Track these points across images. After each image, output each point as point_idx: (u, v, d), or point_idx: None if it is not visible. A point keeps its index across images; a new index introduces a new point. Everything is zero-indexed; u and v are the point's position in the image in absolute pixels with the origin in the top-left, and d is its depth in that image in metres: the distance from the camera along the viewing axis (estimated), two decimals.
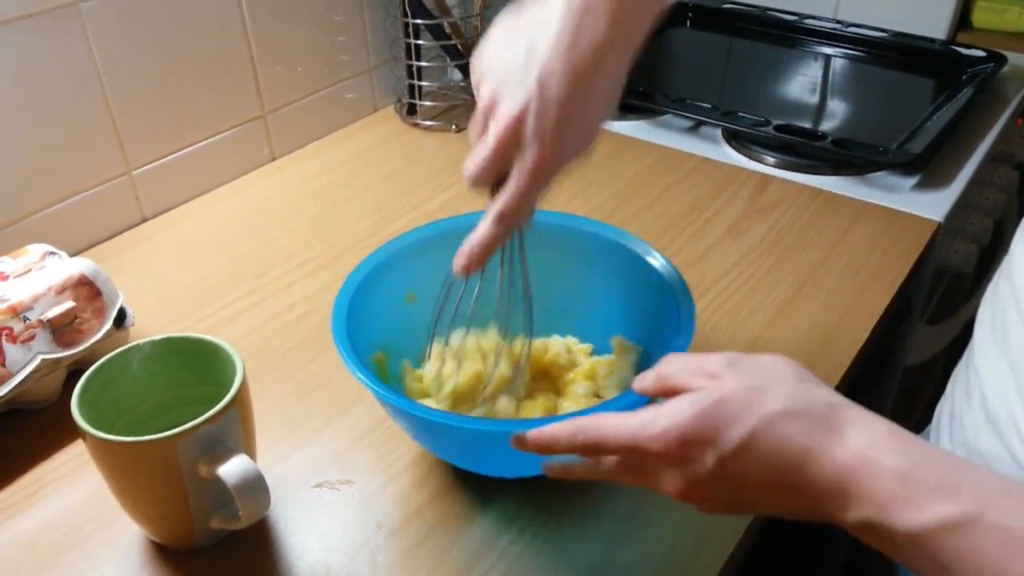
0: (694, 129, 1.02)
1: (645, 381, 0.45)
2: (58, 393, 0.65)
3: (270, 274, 0.80)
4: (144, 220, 0.87)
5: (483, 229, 0.49)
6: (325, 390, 0.66)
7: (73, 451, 0.61)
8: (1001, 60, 1.09)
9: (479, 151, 0.48)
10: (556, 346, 0.63)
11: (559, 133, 0.45)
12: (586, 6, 0.44)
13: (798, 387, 0.40)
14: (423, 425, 0.53)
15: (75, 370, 0.65)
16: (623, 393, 0.51)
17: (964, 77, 1.07)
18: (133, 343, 0.54)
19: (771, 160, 0.95)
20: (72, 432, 0.61)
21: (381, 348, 0.60)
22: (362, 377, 0.50)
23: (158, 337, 0.54)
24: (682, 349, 0.51)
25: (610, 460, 0.44)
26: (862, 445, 0.37)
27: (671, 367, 0.44)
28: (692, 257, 0.80)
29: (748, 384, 0.40)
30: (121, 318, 0.66)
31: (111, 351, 0.67)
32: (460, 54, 1.02)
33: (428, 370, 0.60)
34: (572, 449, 0.44)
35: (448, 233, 0.62)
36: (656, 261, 0.60)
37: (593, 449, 0.43)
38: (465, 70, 1.04)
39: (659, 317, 0.58)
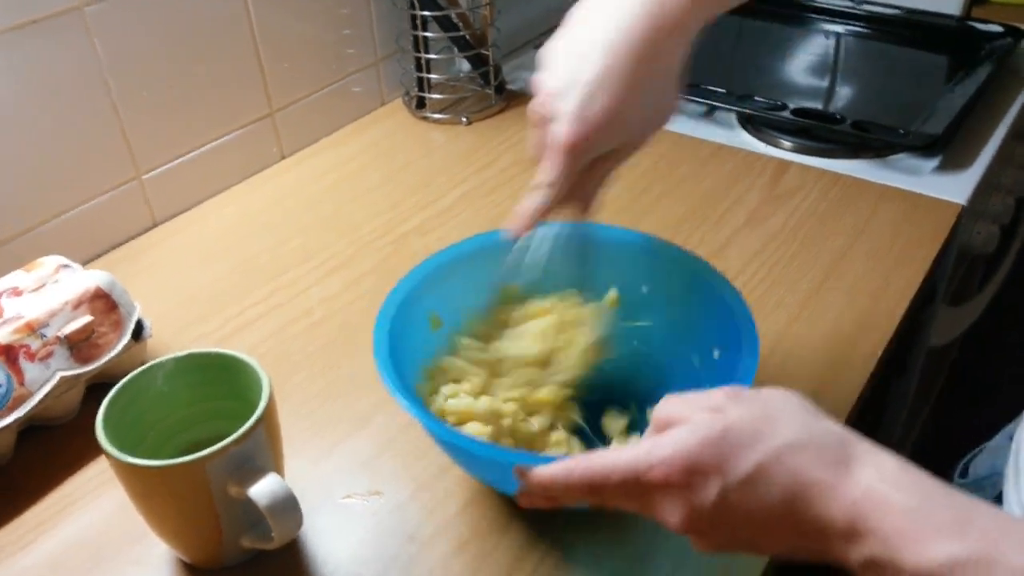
0: (708, 114, 1.01)
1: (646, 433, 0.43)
2: (77, 409, 0.64)
3: (285, 277, 0.78)
4: (155, 225, 0.86)
5: (528, 198, 0.52)
6: (347, 397, 0.65)
7: (96, 467, 0.60)
8: (1019, 35, 1.07)
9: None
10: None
11: (583, 113, 0.47)
12: None
13: (807, 419, 0.39)
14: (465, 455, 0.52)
15: (93, 383, 0.64)
16: None
17: (981, 53, 1.05)
18: (156, 360, 0.53)
19: (788, 144, 0.93)
20: (94, 448, 0.60)
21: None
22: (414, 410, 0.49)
23: (181, 353, 0.53)
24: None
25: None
26: (872, 480, 0.36)
27: (665, 409, 0.42)
28: (713, 247, 0.79)
29: (755, 414, 0.39)
30: (139, 330, 0.65)
31: (130, 365, 0.66)
32: (469, 45, 1.00)
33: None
34: (570, 487, 0.41)
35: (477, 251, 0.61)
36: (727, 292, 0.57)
37: (592, 486, 0.41)
38: (474, 61, 1.02)
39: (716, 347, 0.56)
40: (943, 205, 0.83)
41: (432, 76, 1.02)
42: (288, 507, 0.47)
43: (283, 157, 0.97)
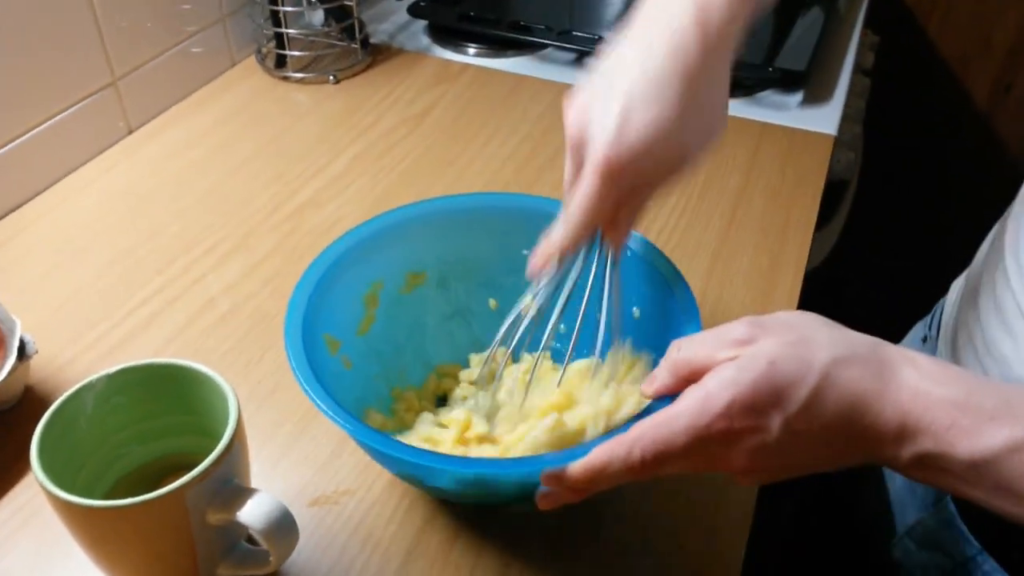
0: (579, 61, 1.00)
1: (657, 380, 0.42)
2: None
3: (175, 266, 0.70)
4: None
5: (556, 227, 0.47)
6: (285, 391, 0.59)
7: (2, 513, 0.51)
8: None
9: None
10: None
11: (620, 132, 0.43)
12: (676, 35, 0.43)
13: (834, 333, 0.39)
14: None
15: None
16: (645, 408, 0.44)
17: None
18: (85, 381, 0.45)
19: None
20: None
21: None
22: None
23: (113, 369, 0.45)
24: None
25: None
26: (916, 380, 0.37)
27: (683, 351, 0.41)
28: None
29: (788, 339, 0.38)
30: (21, 348, 0.55)
31: (14, 389, 0.57)
32: None
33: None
34: (631, 469, 0.39)
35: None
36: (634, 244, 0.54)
37: (657, 460, 0.39)
38: (337, 14, 0.95)
39: (653, 310, 0.54)
40: (817, 137, 0.88)
41: (290, 31, 0.93)
42: (286, 526, 0.42)
43: (131, 131, 0.86)
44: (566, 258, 0.48)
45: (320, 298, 0.52)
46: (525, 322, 0.49)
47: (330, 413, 0.43)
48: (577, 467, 0.40)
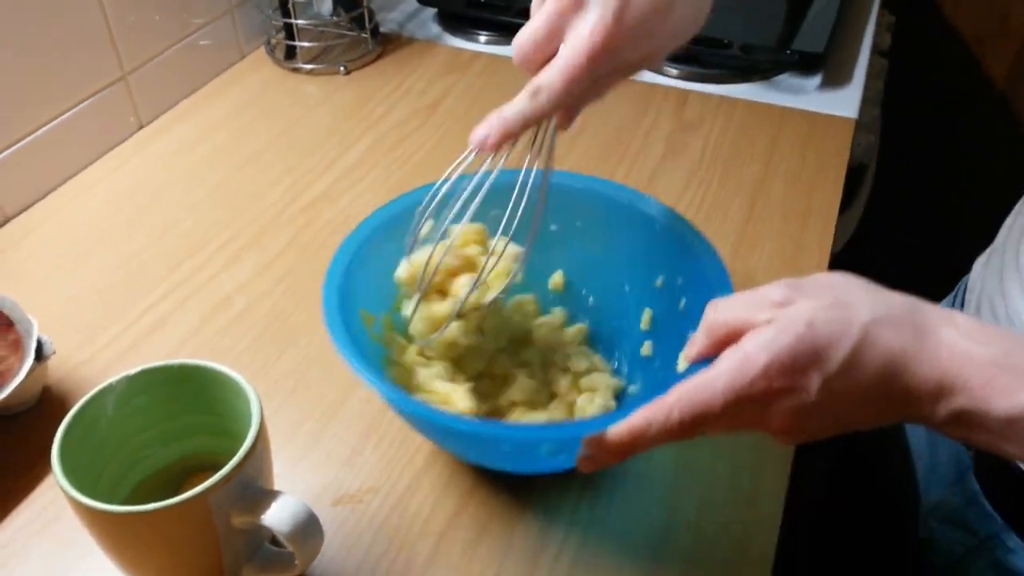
0: None
1: (696, 344, 0.42)
2: None
3: (187, 265, 0.69)
4: (7, 220, 0.73)
5: (515, 103, 0.43)
6: (305, 389, 0.59)
7: (21, 517, 0.51)
8: None
9: (532, 18, 0.42)
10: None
11: (620, 13, 0.41)
12: None
13: (873, 294, 0.39)
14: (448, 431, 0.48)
15: None
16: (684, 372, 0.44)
17: None
18: (105, 383, 0.44)
19: (675, 72, 0.93)
20: (15, 494, 0.51)
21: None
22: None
23: (133, 371, 0.45)
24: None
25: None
26: (954, 339, 0.37)
27: (720, 313, 0.41)
28: (640, 184, 0.77)
29: (827, 302, 0.38)
30: (39, 349, 0.55)
31: (32, 390, 0.56)
32: None
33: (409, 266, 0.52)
34: (670, 431, 0.39)
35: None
36: (652, 209, 0.55)
37: (696, 421, 0.38)
38: (346, 4, 0.93)
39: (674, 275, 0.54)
40: (838, 121, 0.86)
41: (300, 22, 0.92)
42: (311, 528, 0.41)
43: (141, 126, 0.85)
44: (516, 136, 0.44)
45: (353, 275, 0.51)
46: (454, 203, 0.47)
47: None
48: (617, 430, 0.40)
